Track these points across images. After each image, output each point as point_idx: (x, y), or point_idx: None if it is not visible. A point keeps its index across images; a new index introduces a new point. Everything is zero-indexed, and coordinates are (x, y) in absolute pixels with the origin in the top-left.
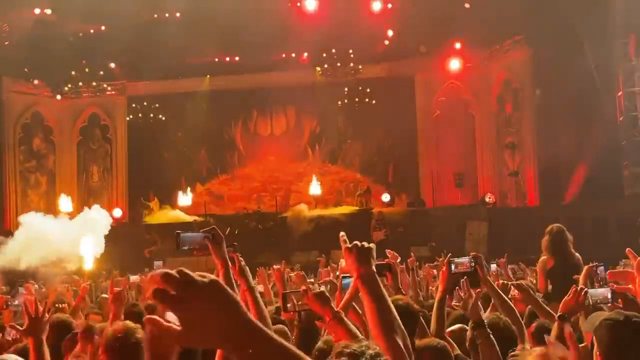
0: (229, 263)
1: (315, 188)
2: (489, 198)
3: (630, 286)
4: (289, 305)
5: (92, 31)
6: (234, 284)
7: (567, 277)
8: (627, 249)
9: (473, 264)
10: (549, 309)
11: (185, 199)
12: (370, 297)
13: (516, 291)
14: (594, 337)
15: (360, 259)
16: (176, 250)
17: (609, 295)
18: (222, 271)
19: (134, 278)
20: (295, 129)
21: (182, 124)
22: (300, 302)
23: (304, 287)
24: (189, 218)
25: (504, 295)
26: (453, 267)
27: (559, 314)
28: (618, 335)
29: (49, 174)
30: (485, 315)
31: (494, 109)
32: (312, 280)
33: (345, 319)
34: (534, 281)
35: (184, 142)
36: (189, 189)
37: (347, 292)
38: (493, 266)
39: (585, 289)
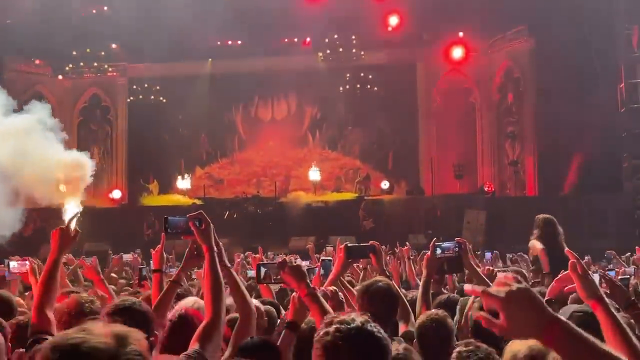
0: (215, 248)
1: (314, 174)
2: (487, 187)
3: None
4: (263, 277)
5: (94, 11)
6: (219, 269)
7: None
8: (566, 249)
9: (457, 249)
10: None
11: (184, 182)
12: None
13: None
14: None
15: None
16: (166, 234)
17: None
18: (208, 255)
19: (126, 257)
20: (296, 115)
21: (183, 107)
22: (277, 276)
23: (279, 260)
24: (188, 201)
25: (488, 280)
26: (439, 251)
27: (546, 298)
28: (587, 327)
29: None
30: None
31: (495, 98)
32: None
33: (320, 296)
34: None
35: (185, 125)
36: (188, 175)
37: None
38: (488, 255)
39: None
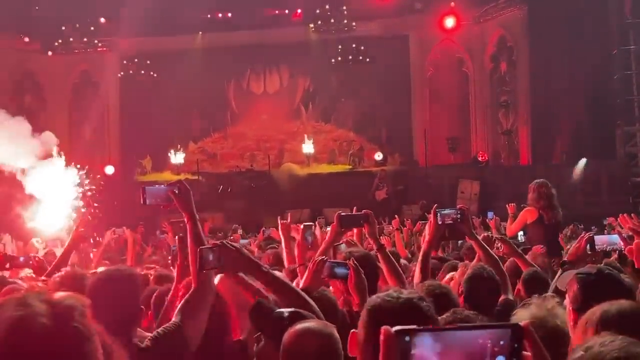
0: (196, 216)
1: (308, 147)
2: (481, 156)
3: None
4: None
5: None
6: (203, 237)
7: (549, 229)
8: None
9: (459, 216)
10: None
11: (177, 157)
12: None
13: (499, 244)
14: (567, 293)
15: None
16: (143, 205)
17: (618, 241)
18: (190, 224)
19: (119, 231)
20: (289, 87)
21: (174, 82)
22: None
23: (215, 242)
24: (181, 177)
25: (488, 247)
26: (439, 218)
27: (562, 260)
28: (589, 288)
29: (40, 132)
30: (471, 265)
31: (489, 67)
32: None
33: (247, 278)
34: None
35: (177, 100)
36: (181, 150)
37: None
38: (490, 214)
39: (592, 235)
